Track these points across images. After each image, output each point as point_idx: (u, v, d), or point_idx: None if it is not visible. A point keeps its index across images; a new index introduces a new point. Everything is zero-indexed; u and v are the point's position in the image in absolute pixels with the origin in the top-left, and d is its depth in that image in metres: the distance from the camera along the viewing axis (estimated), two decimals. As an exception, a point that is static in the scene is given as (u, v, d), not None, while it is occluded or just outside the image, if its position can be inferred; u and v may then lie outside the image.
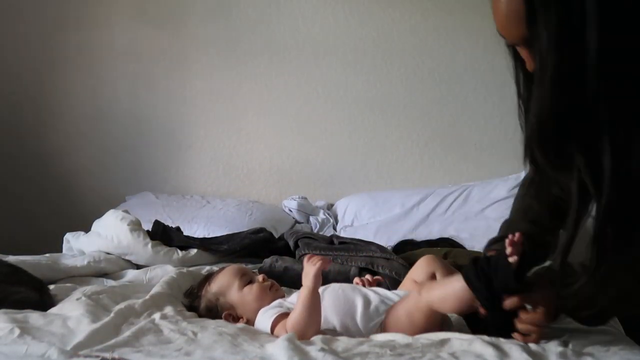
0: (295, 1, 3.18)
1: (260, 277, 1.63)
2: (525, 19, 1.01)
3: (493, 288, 1.25)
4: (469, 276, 1.26)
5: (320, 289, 1.48)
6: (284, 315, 1.46)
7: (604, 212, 1.06)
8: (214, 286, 1.62)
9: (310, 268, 1.43)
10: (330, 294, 1.48)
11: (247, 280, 1.61)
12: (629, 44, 0.98)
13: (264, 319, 1.48)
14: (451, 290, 1.30)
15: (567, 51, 0.98)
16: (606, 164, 1.03)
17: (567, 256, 1.18)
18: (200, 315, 1.59)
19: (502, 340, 1.30)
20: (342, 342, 1.32)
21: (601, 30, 0.96)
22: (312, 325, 1.39)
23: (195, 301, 1.63)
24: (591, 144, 1.04)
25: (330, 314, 1.44)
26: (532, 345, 1.28)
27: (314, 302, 1.41)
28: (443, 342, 1.31)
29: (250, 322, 1.54)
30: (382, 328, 1.42)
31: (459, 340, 1.31)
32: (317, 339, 1.33)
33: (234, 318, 1.56)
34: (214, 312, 1.58)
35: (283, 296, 1.61)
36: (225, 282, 1.61)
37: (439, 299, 1.33)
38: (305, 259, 1.47)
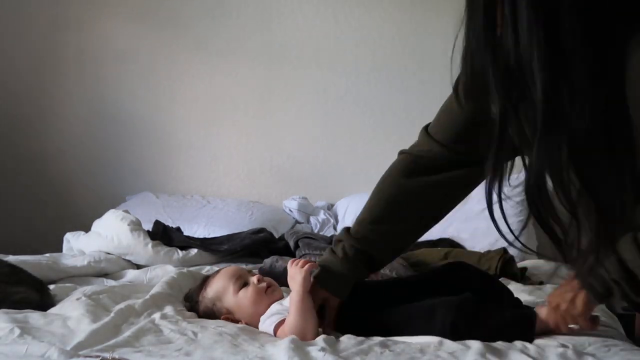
0: (295, 2, 3.18)
1: (254, 279, 1.58)
2: None
3: None
4: None
5: None
6: (283, 321, 1.45)
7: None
8: (210, 291, 1.59)
9: (296, 271, 1.42)
10: None
11: (242, 283, 1.57)
12: None
13: (264, 328, 1.47)
14: None
15: None
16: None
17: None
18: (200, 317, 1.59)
19: (499, 342, 1.30)
20: (343, 342, 1.33)
21: None
22: (308, 328, 1.38)
23: (194, 306, 1.62)
24: None
25: None
26: (531, 346, 1.28)
27: (307, 306, 1.40)
28: (442, 342, 1.31)
29: (249, 325, 1.53)
30: None
31: (458, 341, 1.31)
32: (318, 339, 1.34)
33: (233, 321, 1.55)
34: (212, 316, 1.57)
35: (281, 296, 1.60)
36: (220, 287, 1.58)
37: None
38: (289, 263, 1.46)
